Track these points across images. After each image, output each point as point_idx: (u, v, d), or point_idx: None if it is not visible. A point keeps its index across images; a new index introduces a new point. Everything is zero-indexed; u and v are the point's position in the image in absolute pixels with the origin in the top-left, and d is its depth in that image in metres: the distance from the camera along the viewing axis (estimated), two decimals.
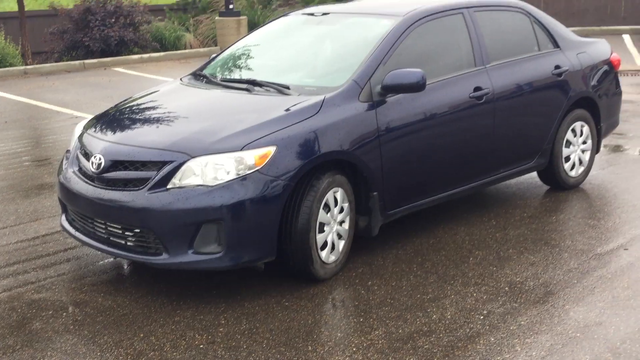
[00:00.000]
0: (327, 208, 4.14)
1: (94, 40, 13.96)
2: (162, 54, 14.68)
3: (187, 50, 15.26)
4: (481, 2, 5.38)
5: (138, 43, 14.76)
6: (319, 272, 4.12)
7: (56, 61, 14.16)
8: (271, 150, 3.88)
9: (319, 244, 4.10)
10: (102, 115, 4.72)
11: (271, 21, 5.64)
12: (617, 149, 7.05)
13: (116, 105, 4.88)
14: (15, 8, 16.61)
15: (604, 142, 6.88)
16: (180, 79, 5.12)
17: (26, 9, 16.69)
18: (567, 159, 5.75)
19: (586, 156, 5.90)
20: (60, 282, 4.25)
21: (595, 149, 6.00)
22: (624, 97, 9.72)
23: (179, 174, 3.83)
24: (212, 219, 3.76)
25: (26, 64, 13.55)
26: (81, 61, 13.66)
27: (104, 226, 4.07)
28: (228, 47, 5.49)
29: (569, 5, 18.07)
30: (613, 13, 17.84)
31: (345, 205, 4.29)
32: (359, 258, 4.51)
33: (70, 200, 4.28)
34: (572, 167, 5.80)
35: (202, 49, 15.46)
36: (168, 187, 3.81)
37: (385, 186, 4.41)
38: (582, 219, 5.18)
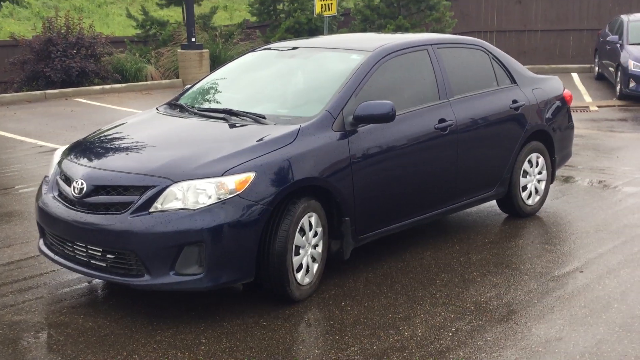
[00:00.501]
0: (303, 232, 4.33)
1: (55, 70, 13.96)
2: (123, 85, 14.75)
3: (148, 82, 15.35)
4: (444, 40, 5.71)
5: (99, 74, 14.80)
6: (294, 294, 4.29)
7: (16, 91, 14.10)
8: (251, 175, 4.06)
9: (295, 266, 4.27)
10: (81, 142, 4.84)
11: (240, 55, 5.86)
12: (569, 179, 7.42)
13: (95, 132, 5.00)
14: None
15: (557, 173, 7.26)
16: (157, 108, 5.28)
17: None
18: (524, 188, 6.06)
19: (542, 186, 6.22)
20: (39, 305, 4.32)
21: (550, 179, 6.34)
22: (575, 131, 10.21)
23: (161, 198, 3.97)
24: (194, 242, 3.91)
25: None
26: (42, 91, 13.64)
27: (84, 249, 4.17)
28: (201, 79, 5.68)
29: (519, 44, 18.79)
30: (562, 52, 18.62)
31: (319, 230, 4.48)
32: (331, 280, 4.69)
33: (49, 224, 4.37)
34: (529, 196, 6.11)
35: (163, 81, 15.57)
36: (150, 210, 3.95)
37: (357, 211, 4.62)
38: (540, 244, 5.47)
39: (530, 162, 6.06)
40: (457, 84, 5.49)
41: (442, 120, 5.19)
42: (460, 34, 18.78)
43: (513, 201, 5.99)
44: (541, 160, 6.16)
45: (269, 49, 5.80)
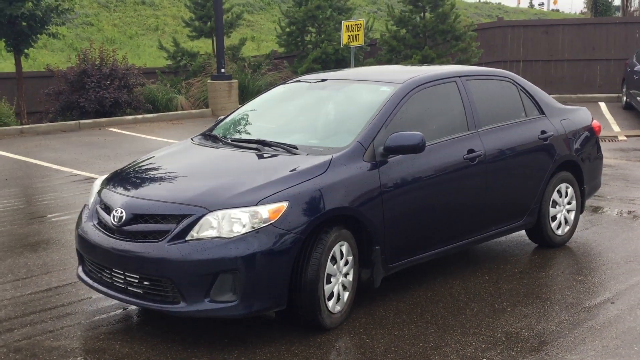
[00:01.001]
0: (334, 260, 4.41)
1: (89, 101, 14.30)
2: (155, 115, 15.05)
3: (179, 112, 15.64)
4: (472, 72, 5.80)
5: (132, 104, 15.13)
6: (325, 322, 4.35)
7: (51, 121, 14.47)
8: (284, 205, 4.16)
9: (326, 294, 4.34)
10: (120, 171, 4.98)
11: (271, 88, 6.01)
12: (598, 210, 7.41)
13: (133, 163, 5.15)
14: (10, 69, 17.02)
15: (587, 203, 7.26)
16: (192, 139, 5.42)
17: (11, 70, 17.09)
18: (554, 218, 6.08)
19: (571, 216, 6.24)
20: (77, 331, 4.43)
21: (580, 209, 6.35)
22: (604, 161, 10.19)
23: (197, 227, 4.08)
24: (228, 269, 4.00)
25: (22, 124, 13.82)
26: (76, 121, 13.98)
27: (122, 276, 4.28)
28: (234, 111, 5.82)
29: (546, 74, 18.82)
30: (589, 81, 18.61)
31: (350, 258, 4.55)
32: (361, 309, 4.75)
33: (88, 251, 4.50)
34: (559, 226, 6.13)
35: (193, 111, 15.86)
36: (187, 239, 4.06)
37: (387, 241, 4.69)
38: (570, 275, 5.47)
39: (559, 192, 6.09)
40: (486, 115, 5.56)
41: (471, 151, 5.26)
42: (486, 64, 18.92)
43: (542, 231, 6.01)
44: (570, 190, 6.18)
45: (299, 81, 5.93)
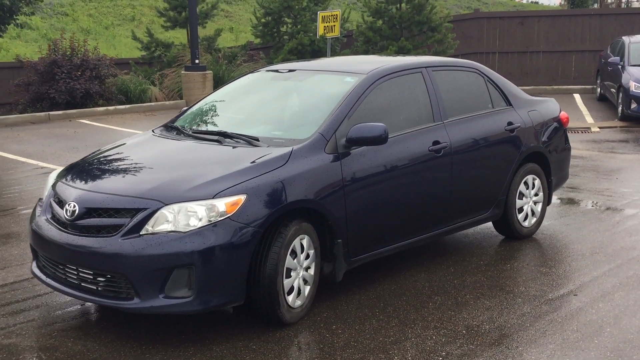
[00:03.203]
0: (294, 254, 4.33)
1: (59, 92, 14.07)
2: (127, 106, 14.85)
3: (152, 103, 15.45)
4: (439, 62, 5.73)
5: (104, 95, 14.91)
6: (285, 317, 4.28)
7: (20, 113, 14.21)
8: (242, 198, 4.07)
9: (286, 289, 4.27)
10: (76, 164, 4.86)
11: (239, 77, 5.90)
12: (568, 201, 7.39)
13: (90, 155, 5.04)
14: None
15: (556, 194, 7.26)
16: (152, 131, 5.31)
17: None
18: (520, 210, 6.05)
19: (538, 207, 6.21)
20: (30, 328, 4.32)
21: (547, 201, 6.33)
22: (575, 152, 10.21)
23: (152, 221, 3.98)
24: (184, 264, 3.91)
25: None
26: (46, 113, 13.74)
27: (75, 272, 4.18)
28: (198, 101, 5.72)
29: (522, 65, 18.84)
30: (564, 73, 18.66)
31: (311, 252, 4.48)
32: (323, 303, 4.68)
33: (42, 246, 4.38)
34: (525, 218, 6.10)
35: (167, 102, 15.67)
36: (141, 233, 3.96)
37: (350, 234, 4.62)
38: (535, 267, 5.45)
39: (526, 184, 6.05)
40: (452, 106, 5.50)
41: (436, 142, 5.20)
42: (462, 55, 18.90)
43: (509, 223, 5.98)
44: (537, 182, 6.15)
45: (265, 71, 5.84)
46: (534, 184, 6.13)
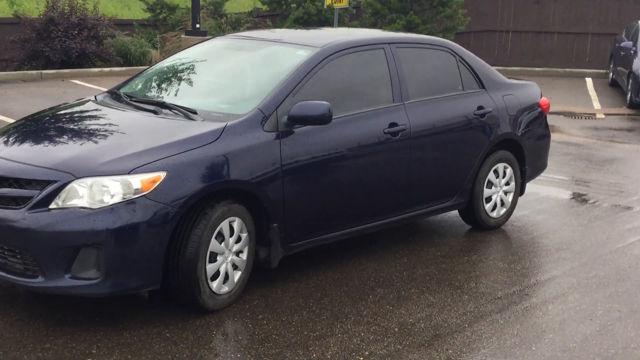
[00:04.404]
0: (221, 237, 4.06)
1: (54, 50, 13.81)
2: (123, 68, 14.57)
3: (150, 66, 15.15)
4: (405, 39, 5.39)
5: (101, 56, 14.64)
6: (207, 303, 4.02)
7: (15, 69, 14.00)
8: (161, 175, 3.79)
9: (209, 273, 4.00)
10: (3, 128, 4.60)
11: (196, 44, 5.59)
12: (547, 192, 7.03)
13: (20, 120, 4.77)
14: None
15: (537, 184, 6.91)
16: (95, 97, 5.03)
17: None
18: (489, 199, 5.72)
19: (509, 198, 5.87)
20: None
21: (520, 191, 5.99)
22: (572, 139, 9.81)
23: (62, 195, 3.72)
24: (91, 243, 3.65)
25: None
26: (39, 71, 13.51)
27: None
28: (150, 67, 5.42)
29: (535, 45, 18.26)
30: (578, 56, 18.05)
31: (244, 235, 4.21)
32: (258, 289, 4.42)
33: None
34: (494, 208, 5.77)
35: None
36: (50, 207, 3.70)
37: (287, 218, 4.34)
38: (493, 261, 5.14)
39: (496, 172, 5.71)
40: (416, 87, 5.16)
41: (393, 125, 4.87)
42: (474, 32, 18.36)
43: (475, 213, 5.66)
44: (509, 170, 5.81)
45: (224, 39, 5.52)
46: (504, 173, 5.79)
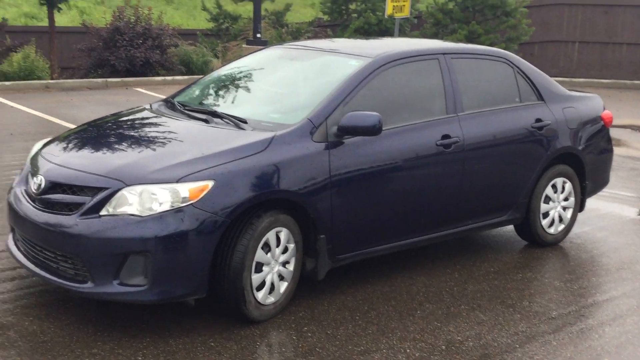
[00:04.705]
0: (268, 247, 4.04)
1: (119, 59, 14.17)
2: (185, 77, 14.82)
3: None
4: (461, 49, 5.29)
5: (164, 65, 14.95)
6: (252, 313, 4.00)
7: (81, 77, 14.41)
8: (208, 184, 3.80)
9: (255, 284, 3.99)
10: (58, 136, 4.71)
11: (251, 54, 5.61)
12: (611, 208, 6.77)
13: (77, 127, 4.87)
14: (65, 23, 17.05)
15: (599, 200, 6.67)
16: (150, 105, 5.10)
17: (63, 24, 17.15)
18: (546, 214, 5.54)
19: (567, 214, 5.68)
20: None
21: (579, 207, 5.79)
22: (636, 154, 9.46)
23: (113, 202, 3.77)
24: (139, 250, 3.68)
25: (51, 78, 13.81)
26: (104, 79, 13.87)
27: (40, 249, 4.02)
28: (204, 76, 5.47)
29: (603, 57, 17.77)
30: None
31: (291, 246, 4.18)
32: (304, 301, 4.38)
33: (13, 219, 4.25)
34: (551, 224, 5.59)
35: None
36: (101, 214, 3.75)
37: (335, 230, 4.29)
38: (549, 280, 4.97)
39: (554, 187, 5.54)
40: (471, 98, 5.05)
41: (445, 137, 4.77)
42: (539, 43, 17.98)
43: (531, 228, 5.49)
44: (568, 185, 5.62)
45: (278, 48, 5.53)
46: (563, 188, 5.60)
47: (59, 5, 14.07)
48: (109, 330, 3.90)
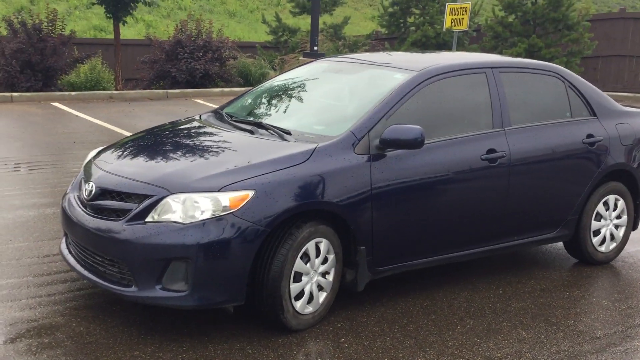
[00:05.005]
0: (307, 258, 4.08)
1: (180, 71, 14.52)
2: (243, 88, 15.06)
3: None
4: (510, 63, 5.24)
5: (223, 77, 15.24)
6: (290, 322, 4.05)
7: (144, 89, 14.83)
8: (249, 194, 3.87)
9: (293, 293, 4.03)
10: (112, 144, 4.88)
11: (299, 66, 5.69)
12: None
13: (131, 135, 5.03)
14: (132, 35, 17.58)
15: None
16: (200, 116, 5.23)
17: (129, 37, 17.68)
18: (597, 232, 5.42)
19: (620, 232, 5.55)
20: (46, 303, 4.36)
21: (633, 225, 5.64)
22: None
23: (158, 208, 3.88)
24: (181, 257, 3.78)
25: (116, 89, 14.26)
26: (165, 90, 14.24)
27: (89, 253, 4.17)
28: (255, 88, 5.58)
29: None
30: None
31: (331, 257, 4.21)
32: (343, 312, 4.40)
33: (66, 224, 4.41)
34: (602, 242, 5.46)
35: None
36: (146, 220, 3.87)
37: (375, 242, 4.30)
38: (597, 299, 4.85)
39: (606, 204, 5.42)
40: (519, 113, 5.00)
41: (491, 151, 4.73)
42: (603, 57, 17.58)
43: (581, 246, 5.38)
44: (621, 203, 5.49)
45: (324, 61, 5.59)
46: (616, 205, 5.47)
47: (125, 19, 14.50)
48: (151, 333, 4.01)
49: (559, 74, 5.34)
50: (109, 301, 4.45)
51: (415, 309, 4.53)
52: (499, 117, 4.88)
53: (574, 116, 5.31)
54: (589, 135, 5.26)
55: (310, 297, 4.15)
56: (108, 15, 14.56)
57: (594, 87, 5.57)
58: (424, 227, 4.51)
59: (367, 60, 5.28)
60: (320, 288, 4.21)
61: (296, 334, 4.08)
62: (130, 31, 20.89)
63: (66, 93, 13.25)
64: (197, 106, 13.18)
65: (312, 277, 4.13)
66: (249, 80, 15.86)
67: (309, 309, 4.15)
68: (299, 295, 4.09)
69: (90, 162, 4.61)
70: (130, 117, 11.66)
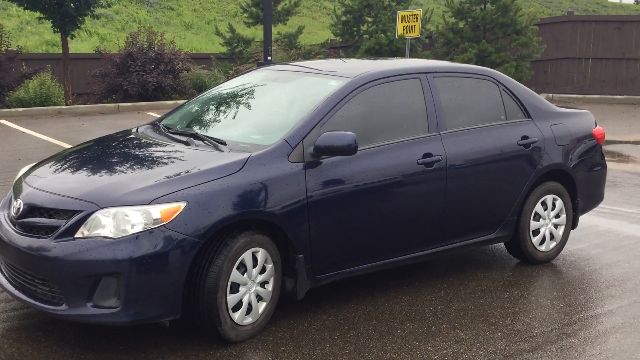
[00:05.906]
0: (244, 268, 4.06)
1: (132, 84, 14.40)
2: None
3: None
4: (444, 68, 5.29)
5: (177, 89, 15.15)
6: (229, 334, 4.02)
7: (95, 103, 14.66)
8: (180, 206, 3.84)
9: (231, 304, 4.01)
10: (43, 160, 4.80)
11: (236, 76, 5.68)
12: (610, 225, 6.70)
13: (62, 151, 4.96)
14: (86, 49, 17.35)
15: (598, 216, 6.61)
16: (137, 128, 5.18)
17: (83, 51, 17.47)
18: (536, 232, 5.50)
19: (560, 231, 5.63)
20: None
21: (572, 224, 5.73)
22: None
23: (87, 224, 3.82)
24: (112, 272, 3.73)
25: (65, 104, 14.07)
26: (116, 104, 14.09)
27: (20, 272, 4.08)
28: (193, 99, 5.55)
29: (617, 73, 17.64)
30: None
31: (269, 266, 4.20)
32: (285, 321, 4.39)
33: None
34: (542, 242, 5.54)
35: None
36: (75, 236, 3.80)
37: (314, 249, 4.30)
38: (536, 298, 4.91)
39: (544, 204, 5.50)
40: (454, 117, 5.06)
41: (427, 155, 4.77)
42: (552, 60, 17.90)
43: (521, 246, 5.45)
44: (559, 202, 5.58)
45: (261, 70, 5.59)
46: (554, 205, 5.56)
47: (73, 33, 14.33)
48: (86, 353, 3.94)
49: (493, 78, 5.42)
50: (44, 321, 4.37)
51: (357, 315, 4.53)
52: (434, 122, 4.92)
53: (508, 119, 5.39)
54: (524, 137, 5.34)
55: (249, 308, 4.13)
56: (56, 29, 14.38)
57: (529, 89, 5.66)
58: (362, 233, 4.53)
59: (304, 68, 5.28)
60: (259, 298, 4.19)
61: (235, 345, 4.05)
62: (84, 45, 20.65)
63: (13, 109, 13.03)
64: (149, 119, 13.01)
65: (250, 288, 4.11)
66: (204, 91, 15.75)
67: (249, 319, 4.13)
68: (237, 306, 4.06)
69: (20, 179, 4.53)
70: (79, 132, 11.51)
